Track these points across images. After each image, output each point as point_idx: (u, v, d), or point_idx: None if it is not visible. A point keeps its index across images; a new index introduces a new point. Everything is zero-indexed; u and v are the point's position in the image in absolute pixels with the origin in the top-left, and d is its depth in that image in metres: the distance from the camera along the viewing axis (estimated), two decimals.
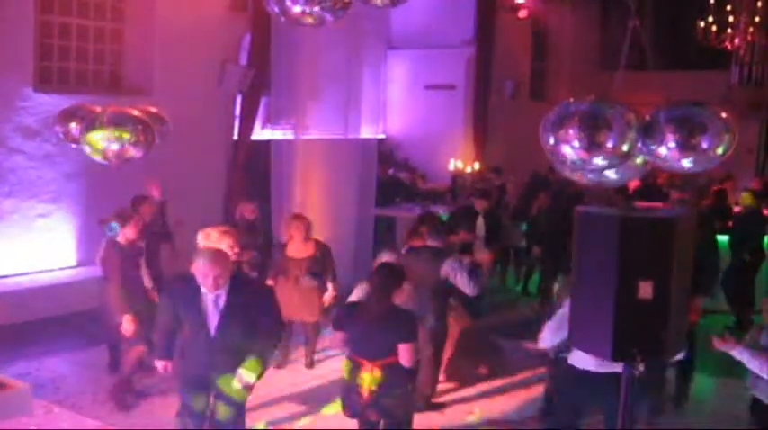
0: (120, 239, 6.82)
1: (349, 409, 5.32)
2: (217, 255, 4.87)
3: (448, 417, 6.86)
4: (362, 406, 5.18)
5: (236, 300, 4.85)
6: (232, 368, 4.92)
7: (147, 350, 6.98)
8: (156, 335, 5.36)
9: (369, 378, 5.11)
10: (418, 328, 5.37)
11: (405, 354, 5.09)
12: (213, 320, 4.88)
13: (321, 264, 7.65)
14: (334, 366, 7.37)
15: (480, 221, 9.80)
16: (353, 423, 5.47)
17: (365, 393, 5.13)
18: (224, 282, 4.80)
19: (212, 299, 4.85)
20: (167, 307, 5.15)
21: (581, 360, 4.97)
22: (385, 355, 5.12)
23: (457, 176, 14.26)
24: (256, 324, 4.93)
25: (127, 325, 6.62)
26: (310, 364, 7.87)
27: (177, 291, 5.09)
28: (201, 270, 4.76)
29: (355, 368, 5.19)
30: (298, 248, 7.64)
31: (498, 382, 7.70)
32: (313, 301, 7.64)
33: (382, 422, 5.27)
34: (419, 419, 6.48)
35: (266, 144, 10.95)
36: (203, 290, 4.83)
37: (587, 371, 4.99)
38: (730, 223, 10.54)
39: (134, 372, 6.92)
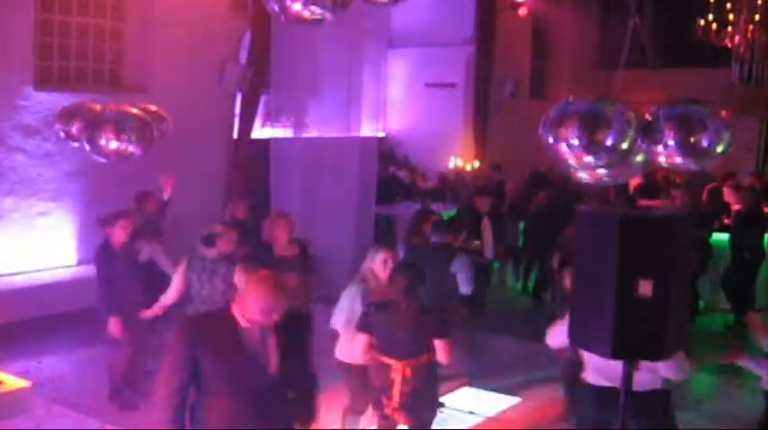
0: (112, 240, 6.74)
1: (376, 411, 5.18)
2: (279, 281, 3.87)
3: (447, 417, 6.86)
4: (393, 408, 5.03)
5: (286, 330, 3.89)
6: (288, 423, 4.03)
7: (143, 352, 6.98)
8: (165, 403, 3.79)
9: (400, 379, 4.97)
10: (448, 325, 5.22)
11: (443, 351, 5.01)
12: (269, 363, 3.83)
13: (304, 263, 7.59)
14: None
15: (486, 223, 9.29)
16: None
17: (397, 395, 5.00)
18: None
19: (259, 337, 3.81)
20: (186, 360, 3.74)
21: (594, 376, 4.76)
22: (416, 355, 5.01)
23: (444, 176, 14.13)
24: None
25: (113, 327, 6.61)
26: None
27: (206, 334, 3.80)
28: (264, 301, 3.72)
29: (384, 370, 5.04)
30: (284, 248, 7.58)
31: (498, 381, 7.70)
32: (299, 300, 7.61)
33: (406, 424, 5.12)
34: None
35: (266, 142, 10.96)
36: (244, 325, 3.78)
37: (602, 388, 4.71)
38: (726, 221, 10.54)
39: (124, 373, 6.89)
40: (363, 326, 5.20)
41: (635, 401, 4.38)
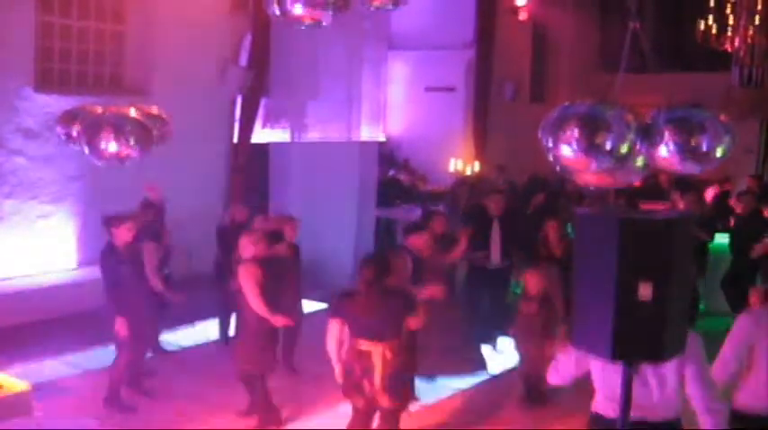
0: (116, 242, 6.78)
1: (359, 397, 5.31)
2: None
3: (447, 417, 6.86)
4: (376, 391, 5.18)
5: None
6: None
7: (145, 353, 6.99)
8: None
9: (381, 361, 5.14)
10: (415, 302, 5.45)
11: (413, 325, 5.36)
12: None
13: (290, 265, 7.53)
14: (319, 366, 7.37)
15: (496, 227, 8.72)
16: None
17: (379, 378, 5.14)
18: None
19: None
20: None
21: (603, 407, 4.25)
22: (393, 336, 5.19)
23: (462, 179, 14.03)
24: None
25: (119, 327, 6.63)
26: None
27: None
28: None
29: (362, 354, 5.20)
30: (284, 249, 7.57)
31: (497, 381, 7.70)
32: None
33: (390, 404, 5.29)
34: (417, 419, 6.51)
35: (266, 145, 10.96)
36: None
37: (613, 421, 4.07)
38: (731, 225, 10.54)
39: (123, 377, 6.90)
40: (334, 312, 5.43)
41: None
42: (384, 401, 5.23)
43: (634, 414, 3.75)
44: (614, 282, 3.36)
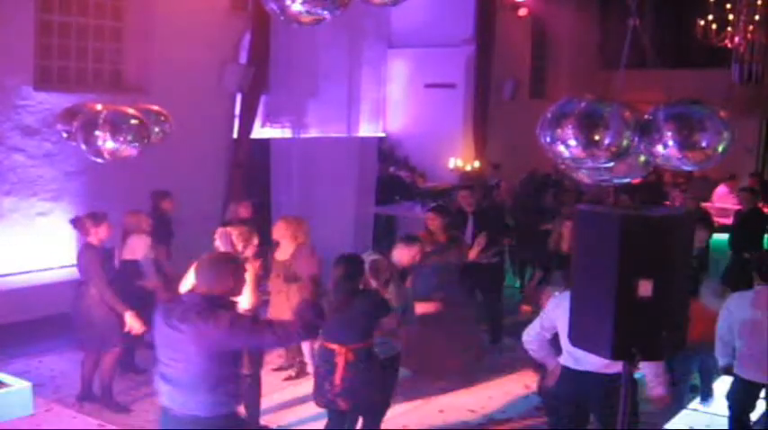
0: (93, 240, 6.68)
1: (321, 398, 5.31)
2: None
3: (447, 416, 6.86)
4: (334, 393, 5.16)
5: None
6: None
7: (125, 351, 6.95)
8: None
9: (342, 363, 5.10)
10: (388, 303, 5.41)
11: (389, 323, 5.37)
12: None
13: (298, 267, 7.27)
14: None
15: (470, 223, 8.65)
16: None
17: (338, 379, 5.12)
18: None
19: None
20: None
21: (579, 362, 4.78)
22: (358, 340, 5.16)
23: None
24: None
25: (131, 321, 6.50)
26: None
27: None
28: None
29: (328, 355, 5.19)
30: (281, 250, 7.48)
31: (498, 380, 7.70)
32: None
33: (348, 408, 5.28)
34: (417, 419, 6.52)
35: (266, 142, 10.96)
36: None
37: (587, 372, 4.78)
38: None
39: (112, 375, 6.83)
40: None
41: (607, 382, 4.62)
42: (343, 404, 5.19)
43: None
44: (614, 280, 3.36)
